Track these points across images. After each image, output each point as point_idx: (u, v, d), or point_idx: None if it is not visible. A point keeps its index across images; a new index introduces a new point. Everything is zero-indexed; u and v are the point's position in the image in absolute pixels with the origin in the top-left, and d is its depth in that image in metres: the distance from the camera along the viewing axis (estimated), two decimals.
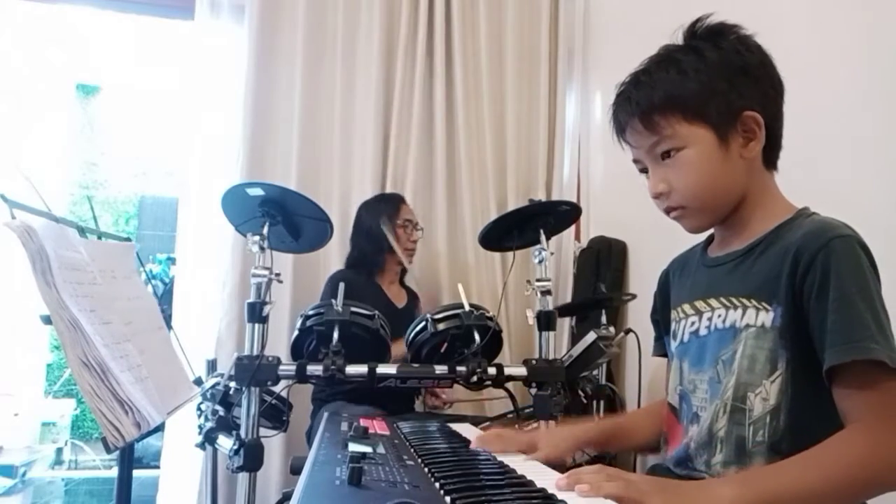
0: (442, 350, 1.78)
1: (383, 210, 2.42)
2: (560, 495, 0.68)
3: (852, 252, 0.82)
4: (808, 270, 0.83)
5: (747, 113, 0.90)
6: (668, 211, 0.96)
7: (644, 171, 0.98)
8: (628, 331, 2.19)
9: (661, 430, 1.08)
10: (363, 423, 0.96)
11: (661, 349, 1.13)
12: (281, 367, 1.66)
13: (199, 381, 1.81)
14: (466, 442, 1.06)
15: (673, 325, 1.05)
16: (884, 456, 0.76)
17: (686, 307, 1.01)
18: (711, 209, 0.94)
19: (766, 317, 0.87)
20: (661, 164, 0.93)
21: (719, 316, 0.93)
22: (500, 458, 0.90)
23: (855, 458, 0.76)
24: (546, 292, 1.84)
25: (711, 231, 1.04)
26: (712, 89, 0.89)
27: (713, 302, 0.95)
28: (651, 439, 1.12)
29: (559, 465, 0.91)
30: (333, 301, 1.70)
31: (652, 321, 1.17)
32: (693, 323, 0.98)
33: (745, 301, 0.90)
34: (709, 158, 0.90)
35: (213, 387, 1.75)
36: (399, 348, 1.91)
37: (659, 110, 0.90)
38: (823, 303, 0.81)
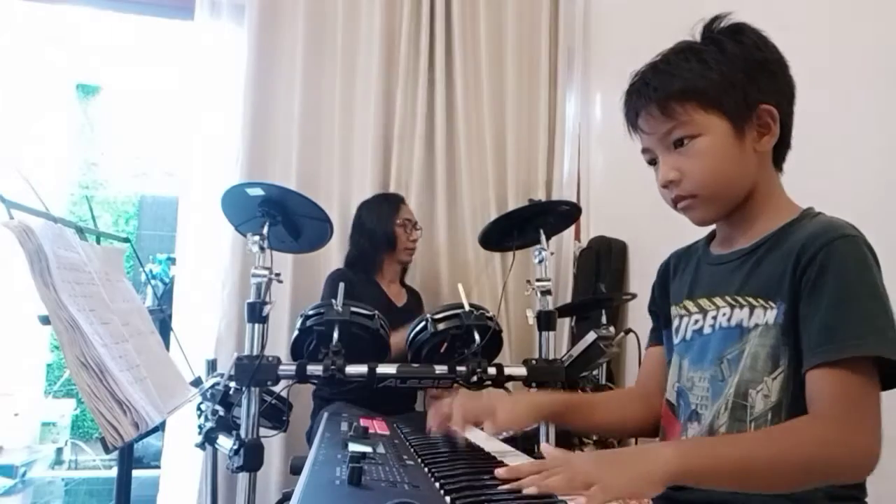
0: (442, 350, 1.78)
1: (383, 210, 2.41)
2: (560, 495, 0.68)
3: (855, 251, 0.82)
4: (806, 268, 0.83)
5: (763, 106, 0.90)
6: (676, 201, 0.95)
7: (652, 162, 0.97)
8: (628, 331, 2.19)
9: (624, 417, 1.10)
10: (363, 423, 0.96)
11: (656, 339, 1.13)
12: (281, 367, 1.66)
13: (198, 381, 1.81)
14: (467, 442, 1.05)
15: (675, 322, 1.04)
16: (836, 446, 0.77)
17: (689, 304, 1.01)
18: (722, 200, 0.93)
19: (770, 314, 0.87)
20: (672, 151, 0.93)
21: (724, 314, 0.93)
22: (495, 455, 0.90)
23: (807, 443, 0.77)
24: (546, 292, 1.84)
25: (713, 227, 1.04)
26: (731, 80, 0.89)
27: (718, 300, 0.95)
28: (612, 421, 1.12)
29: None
30: (333, 301, 1.70)
31: (650, 312, 1.16)
32: (696, 321, 0.98)
33: (751, 300, 0.90)
34: (723, 148, 0.90)
35: (213, 387, 1.75)
36: (399, 337, 1.91)
37: (677, 97, 0.90)
38: (816, 299, 0.82)
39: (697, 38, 0.95)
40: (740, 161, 0.91)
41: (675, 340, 1.03)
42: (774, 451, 0.77)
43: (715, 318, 0.95)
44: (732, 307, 0.92)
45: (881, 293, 0.81)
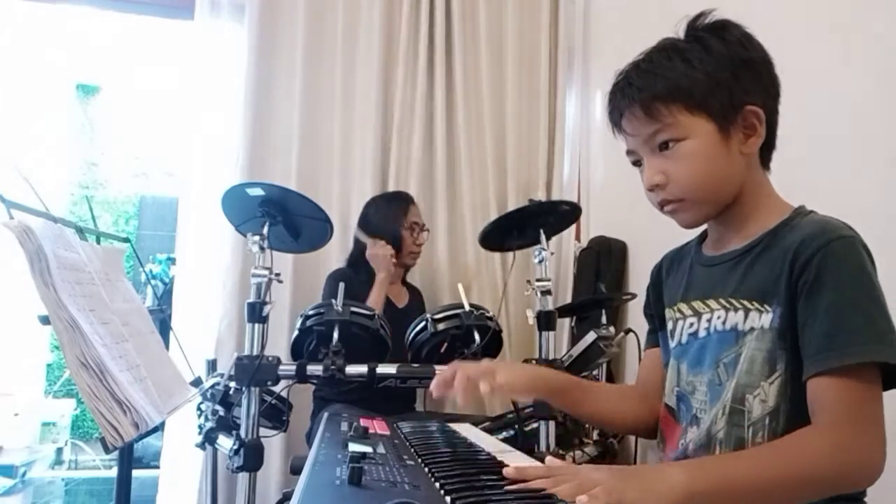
0: (442, 350, 1.78)
1: (391, 210, 2.40)
2: (561, 496, 0.68)
3: (850, 254, 0.82)
4: (803, 271, 0.82)
5: (749, 107, 0.89)
6: (662, 204, 0.93)
7: (637, 163, 0.96)
8: (628, 331, 2.19)
9: (621, 411, 1.09)
10: (363, 423, 0.96)
11: (653, 341, 1.12)
12: (281, 367, 1.66)
13: (198, 381, 1.81)
14: (466, 442, 1.05)
15: (669, 325, 1.04)
16: (844, 457, 0.76)
17: (683, 307, 1.00)
18: (709, 203, 0.92)
19: (766, 318, 0.86)
20: (657, 154, 0.91)
21: (719, 317, 0.92)
22: (495, 455, 0.90)
23: (816, 456, 0.76)
24: (546, 292, 1.84)
25: (705, 227, 1.03)
26: (717, 81, 0.88)
27: (712, 303, 0.94)
28: (611, 411, 1.10)
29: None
30: (333, 301, 1.70)
31: (645, 315, 1.16)
32: (692, 324, 0.97)
33: (745, 303, 0.89)
34: (709, 151, 0.89)
35: (213, 387, 1.75)
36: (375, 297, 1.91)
37: (661, 98, 0.88)
38: (814, 304, 0.81)
39: (681, 35, 0.93)
40: (727, 164, 0.90)
41: (671, 344, 1.02)
42: (783, 469, 0.76)
43: (710, 320, 0.94)
44: (727, 310, 0.91)
45: (879, 295, 0.81)
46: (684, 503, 0.72)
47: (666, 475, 0.74)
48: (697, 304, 0.97)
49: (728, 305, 0.91)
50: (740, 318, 0.89)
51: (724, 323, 0.91)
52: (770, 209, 0.93)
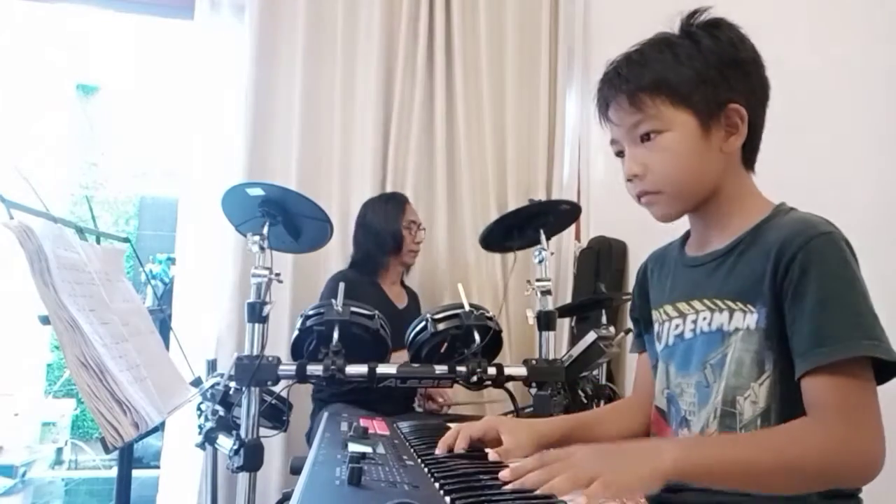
0: (442, 350, 1.78)
1: (389, 210, 2.40)
2: (559, 494, 0.68)
3: (833, 250, 0.82)
4: (787, 270, 0.82)
5: (732, 105, 0.89)
6: (640, 195, 0.94)
7: (620, 154, 0.97)
8: (628, 331, 2.18)
9: (631, 427, 1.08)
10: (363, 423, 0.96)
11: (639, 346, 1.12)
12: (281, 367, 1.66)
13: (198, 381, 1.81)
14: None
15: (656, 327, 1.04)
16: (839, 449, 0.76)
17: (668, 309, 1.00)
18: (685, 197, 0.93)
19: (751, 318, 0.86)
20: (639, 145, 0.92)
21: (704, 318, 0.92)
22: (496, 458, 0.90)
23: (810, 446, 0.76)
24: (546, 292, 1.84)
25: (687, 228, 1.03)
26: (703, 77, 0.88)
27: (696, 304, 0.94)
28: (614, 436, 1.09)
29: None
30: (333, 301, 1.70)
31: (631, 319, 1.16)
32: (677, 326, 0.97)
33: (730, 303, 0.89)
34: (689, 145, 0.89)
35: (213, 387, 1.75)
36: (400, 357, 1.90)
37: (647, 90, 0.89)
38: (800, 304, 0.81)
39: (676, 30, 0.94)
40: (705, 159, 0.90)
41: (659, 346, 1.02)
42: (781, 460, 0.76)
43: (695, 322, 0.94)
44: (712, 311, 0.91)
45: (862, 289, 0.81)
46: (675, 478, 0.73)
47: (659, 451, 0.75)
48: (682, 306, 0.97)
49: (713, 306, 0.91)
50: (725, 319, 0.89)
51: (709, 324, 0.91)
52: (751, 208, 0.93)
